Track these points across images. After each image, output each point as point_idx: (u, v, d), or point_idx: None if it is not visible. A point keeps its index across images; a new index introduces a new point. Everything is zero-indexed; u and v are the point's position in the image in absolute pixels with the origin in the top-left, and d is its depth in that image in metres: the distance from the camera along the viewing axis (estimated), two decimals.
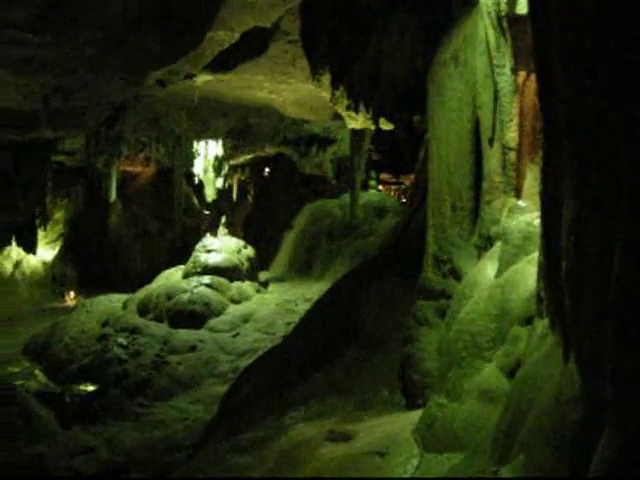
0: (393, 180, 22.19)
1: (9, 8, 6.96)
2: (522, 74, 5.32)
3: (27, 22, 7.32)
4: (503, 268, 4.75)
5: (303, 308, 14.14)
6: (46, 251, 20.97)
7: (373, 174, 20.45)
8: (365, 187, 19.47)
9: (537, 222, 4.56)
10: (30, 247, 18.26)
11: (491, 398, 4.05)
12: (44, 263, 20.90)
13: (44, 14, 7.17)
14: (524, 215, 4.94)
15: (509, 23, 5.24)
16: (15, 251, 19.29)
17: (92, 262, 21.57)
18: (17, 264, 19.79)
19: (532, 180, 5.22)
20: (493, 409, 3.90)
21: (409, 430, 4.76)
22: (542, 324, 3.51)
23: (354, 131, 14.41)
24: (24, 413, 10.94)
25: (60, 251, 21.69)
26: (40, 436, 10.72)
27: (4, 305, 18.58)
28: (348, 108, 9.18)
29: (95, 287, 19.64)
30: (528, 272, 4.31)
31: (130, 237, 22.45)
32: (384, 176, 21.69)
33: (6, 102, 11.68)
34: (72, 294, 20.73)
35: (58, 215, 21.46)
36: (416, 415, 4.93)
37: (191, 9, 7.65)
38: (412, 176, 18.58)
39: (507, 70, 5.35)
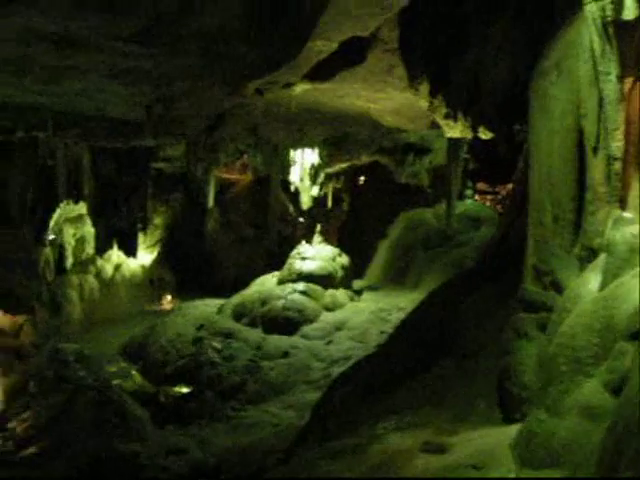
0: (489, 190, 22.05)
1: (114, 21, 7.16)
2: (628, 81, 5.16)
3: (132, 35, 7.53)
4: (607, 281, 4.61)
5: (397, 317, 14.12)
6: (145, 255, 21.50)
7: (469, 183, 20.28)
8: (461, 197, 19.28)
9: None
10: (131, 251, 18.82)
11: (594, 415, 3.93)
12: (143, 267, 21.37)
13: (148, 27, 7.36)
14: (629, 227, 4.79)
15: (615, 29, 5.09)
16: (116, 254, 19.74)
17: (189, 267, 21.91)
18: (117, 267, 20.19)
19: (638, 191, 5.06)
20: (596, 427, 3.79)
21: (506, 444, 4.67)
22: None
23: (451, 140, 13.92)
24: (120, 412, 11.53)
25: (158, 255, 22.15)
26: (135, 434, 11.29)
27: (104, 307, 19.06)
28: (446, 117, 9.11)
29: (191, 291, 20.04)
30: (634, 286, 4.18)
31: (226, 243, 22.76)
32: (480, 186, 21.56)
33: (112, 111, 12.14)
34: (169, 298, 21.21)
35: (157, 220, 21.99)
36: (513, 429, 4.83)
37: (292, 20, 7.69)
38: (509, 186, 18.99)
39: (613, 77, 5.19)
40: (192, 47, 8.24)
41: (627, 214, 5.03)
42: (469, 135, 9.55)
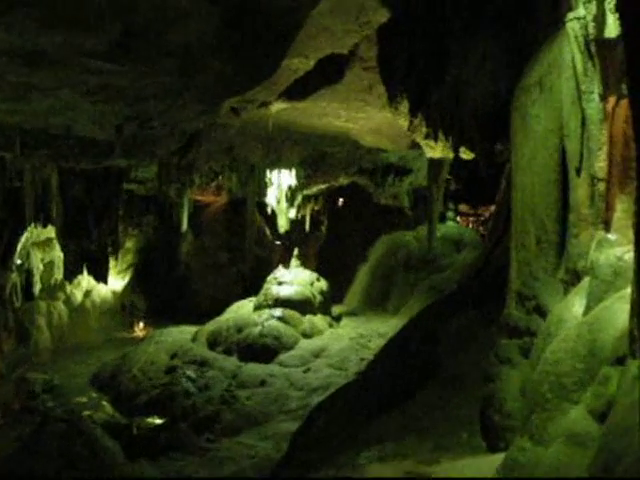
0: (471, 212, 22.02)
1: (85, 37, 7.11)
2: (611, 100, 5.19)
3: (103, 51, 7.49)
4: (592, 305, 4.63)
5: (377, 343, 14.14)
6: (116, 280, 21.28)
7: (451, 205, 20.30)
8: (443, 219, 19.33)
9: (628, 256, 4.46)
10: (101, 276, 18.33)
11: (579, 442, 3.92)
12: (114, 293, 21.19)
13: (120, 42, 7.33)
14: (614, 249, 4.82)
15: (597, 47, 5.15)
16: (86, 280, 19.42)
17: (162, 292, 21.79)
18: (88, 293, 20.05)
19: (622, 212, 5.08)
20: (581, 454, 3.79)
21: (489, 474, 4.65)
22: (635, 364, 3.42)
23: (432, 160, 13.72)
24: (90, 444, 11.11)
25: (130, 281, 22.04)
26: (106, 468, 10.88)
27: (74, 334, 18.86)
28: (427, 136, 9.14)
29: (164, 318, 19.94)
30: (619, 309, 4.20)
31: (201, 267, 22.58)
32: (462, 207, 21.49)
33: (81, 131, 11.94)
34: (141, 325, 21.04)
35: (129, 244, 21.91)
36: (497, 459, 4.82)
37: (268, 37, 7.68)
38: (491, 207, 18.88)
39: (595, 96, 5.25)
40: (166, 64, 8.21)
41: (611, 236, 5.04)
42: (450, 155, 9.61)
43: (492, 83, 7.49)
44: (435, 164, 14.65)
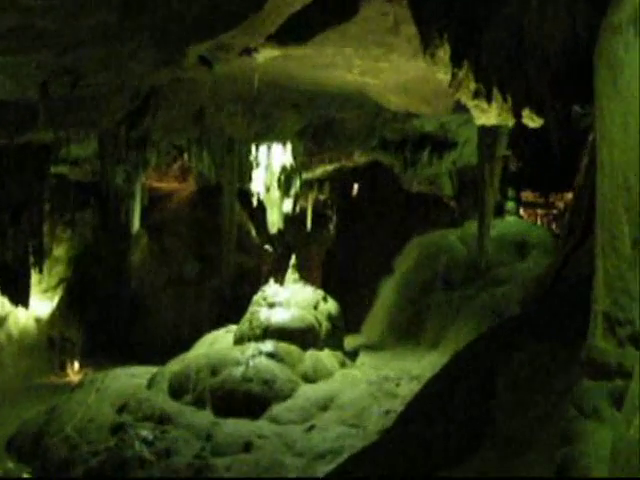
0: (540, 202, 22.21)
1: None
2: None
3: None
4: None
5: (409, 390, 14.28)
6: (41, 302, 21.25)
7: (511, 193, 20.68)
8: (500, 212, 19.68)
9: None
10: (20, 297, 18.62)
11: None
12: (38, 320, 21.13)
13: None
14: None
15: None
16: None
17: (105, 320, 21.86)
18: (1, 321, 19.98)
19: None
20: None
21: None
22: None
23: (484, 130, 14.42)
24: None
25: (60, 303, 21.99)
26: None
27: None
28: (476, 95, 8.91)
29: (109, 356, 20.34)
30: None
31: (160, 283, 23.02)
32: (527, 195, 21.72)
33: None
34: (76, 365, 21.13)
35: (59, 251, 21.95)
36: None
37: None
38: (568, 195, 19.39)
39: None
40: None
41: None
42: (510, 122, 9.30)
43: (568, 20, 7.38)
44: (488, 135, 15.67)
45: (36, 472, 14.60)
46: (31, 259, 19.11)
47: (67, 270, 22.29)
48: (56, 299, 22.04)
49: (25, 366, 20.38)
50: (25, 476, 14.58)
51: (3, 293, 19.03)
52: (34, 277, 19.78)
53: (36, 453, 14.96)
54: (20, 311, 20.13)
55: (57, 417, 15.64)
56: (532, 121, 8.79)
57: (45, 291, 21.57)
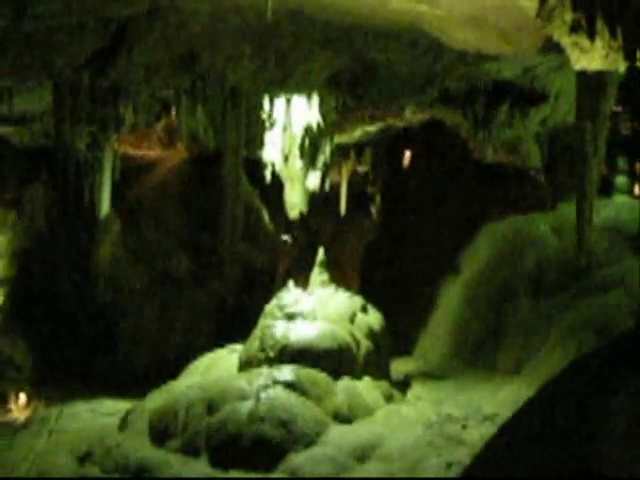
0: None
1: None
2: None
3: None
4: None
5: (480, 434, 13.27)
6: None
7: (622, 164, 18.86)
8: (606, 189, 17.80)
9: None
10: None
11: None
12: None
13: None
14: None
15: None
16: None
17: (62, 335, 19.87)
18: None
19: None
20: None
21: None
22: None
23: (584, 78, 12.49)
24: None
25: (1, 314, 20.23)
26: None
27: None
28: (574, 29, 9.23)
29: (67, 385, 18.55)
30: None
31: (137, 287, 20.87)
32: None
33: None
34: (22, 398, 18.99)
35: None
36: None
37: None
38: None
39: None
40: None
41: None
42: (620, 67, 9.68)
43: None
44: (590, 85, 13.37)
45: None
46: None
47: (9, 268, 20.39)
48: None
49: None
50: None
51: None
52: None
53: None
54: None
55: None
56: None
57: None
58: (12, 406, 18.55)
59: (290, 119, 17.95)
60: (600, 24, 8.71)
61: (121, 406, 16.10)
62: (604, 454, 5.82)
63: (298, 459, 13.26)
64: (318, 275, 16.73)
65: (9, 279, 20.25)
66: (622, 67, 9.40)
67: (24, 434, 15.65)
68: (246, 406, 13.84)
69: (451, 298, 18.79)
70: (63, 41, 13.55)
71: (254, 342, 15.61)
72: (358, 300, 16.48)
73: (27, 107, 17.56)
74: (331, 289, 16.56)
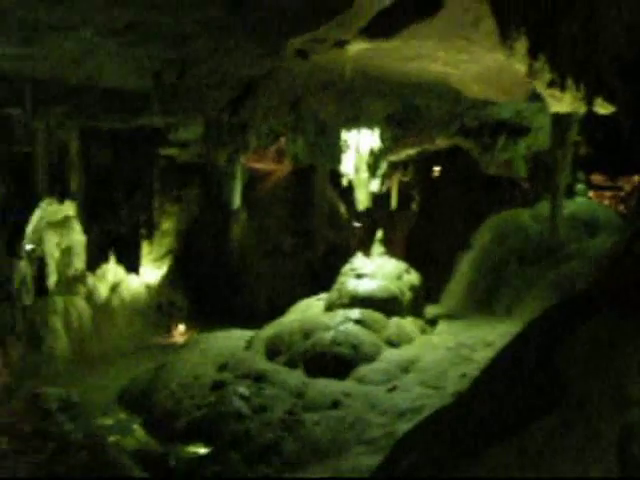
0: (608, 184, 21.76)
1: None
2: None
3: None
4: None
5: (483, 355, 14.08)
6: (151, 271, 21.70)
7: (581, 176, 20.25)
8: (570, 193, 19.34)
9: None
10: (132, 266, 19.07)
11: None
12: (148, 287, 21.57)
13: None
14: None
15: None
16: (112, 270, 19.84)
17: (208, 287, 22.16)
18: (115, 287, 20.28)
19: None
20: None
21: None
22: None
23: (557, 116, 14.30)
24: (117, 477, 11.02)
25: (168, 272, 22.32)
26: None
27: (98, 339, 19.11)
28: (551, 84, 8.86)
29: (211, 320, 20.50)
30: None
31: (257, 256, 23.14)
32: (596, 178, 21.28)
33: (107, 81, 12.30)
34: (182, 328, 21.36)
35: (167, 225, 22.25)
36: None
37: None
38: (634, 178, 19.71)
39: None
40: None
41: None
42: (581, 109, 9.29)
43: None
44: (561, 121, 15.42)
45: (145, 421, 14.76)
46: (142, 232, 19.66)
47: (174, 242, 22.41)
48: (164, 268, 22.30)
49: (136, 328, 20.57)
50: (135, 426, 14.65)
51: (118, 262, 19.50)
52: (145, 248, 20.38)
53: (144, 406, 15.14)
54: (132, 278, 20.41)
55: (164, 374, 15.84)
56: (603, 108, 8.62)
57: (154, 261, 21.80)
58: (175, 333, 21.04)
59: (359, 144, 19.15)
60: (569, 81, 8.49)
61: (246, 334, 17.47)
62: (570, 366, 7.19)
63: (363, 370, 14.88)
64: (377, 248, 18.40)
65: (173, 249, 22.25)
66: (582, 110, 9.21)
67: (183, 352, 17.19)
68: (329, 334, 15.50)
69: (465, 265, 20.27)
70: (211, 92, 14.30)
71: (335, 292, 17.22)
72: (403, 265, 18.07)
73: (187, 136, 19.04)
74: (386, 257, 18.17)
